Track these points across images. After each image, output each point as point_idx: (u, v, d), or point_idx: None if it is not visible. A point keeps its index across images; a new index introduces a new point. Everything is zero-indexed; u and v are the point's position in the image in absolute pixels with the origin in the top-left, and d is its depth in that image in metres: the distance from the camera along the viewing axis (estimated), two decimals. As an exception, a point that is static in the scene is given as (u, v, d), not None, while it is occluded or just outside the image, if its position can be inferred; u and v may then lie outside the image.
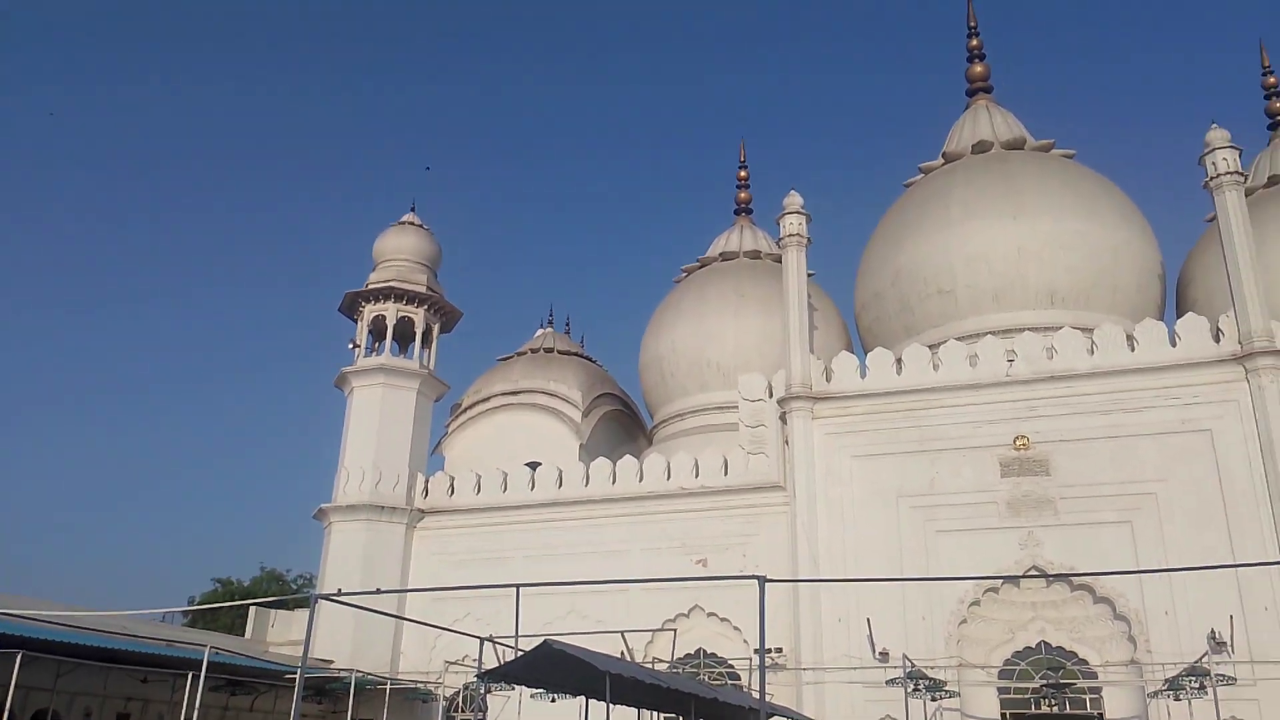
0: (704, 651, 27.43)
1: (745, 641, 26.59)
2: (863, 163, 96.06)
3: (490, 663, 18.95)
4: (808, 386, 27.50)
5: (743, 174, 39.58)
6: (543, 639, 13.18)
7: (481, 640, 18.24)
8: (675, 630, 26.75)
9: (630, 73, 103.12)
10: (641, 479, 29.36)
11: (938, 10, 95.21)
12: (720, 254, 36.43)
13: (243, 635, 30.92)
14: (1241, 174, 25.84)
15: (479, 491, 31.16)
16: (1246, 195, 29.81)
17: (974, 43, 37.60)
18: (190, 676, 20.73)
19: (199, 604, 47.27)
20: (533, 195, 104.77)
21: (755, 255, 35.83)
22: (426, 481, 31.64)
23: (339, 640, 28.26)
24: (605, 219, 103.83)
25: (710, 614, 27.27)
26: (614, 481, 29.63)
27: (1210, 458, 23.68)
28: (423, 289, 33.17)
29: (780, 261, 30.28)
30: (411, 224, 34.76)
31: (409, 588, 29.62)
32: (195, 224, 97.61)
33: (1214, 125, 26.32)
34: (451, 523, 31.09)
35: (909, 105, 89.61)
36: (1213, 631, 22.04)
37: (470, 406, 35.20)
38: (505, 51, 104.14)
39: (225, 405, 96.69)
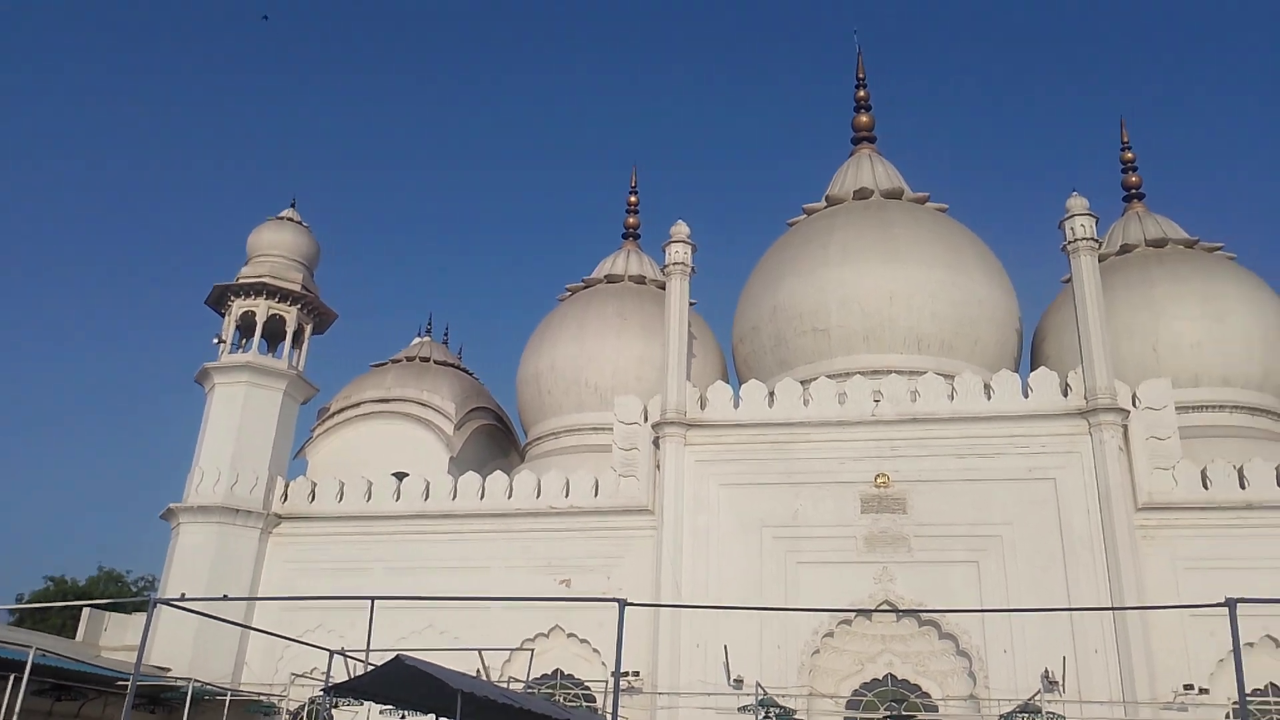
0: (561, 672, 27.27)
1: (604, 664, 26.51)
2: (751, 198, 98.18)
3: (340, 677, 18.40)
4: (682, 413, 27.84)
5: (633, 199, 39.95)
6: (395, 654, 12.90)
7: (331, 653, 17.69)
8: (533, 650, 26.56)
9: (529, 89, 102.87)
10: (511, 496, 29.10)
11: (832, 58, 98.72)
12: (605, 276, 36.63)
13: (73, 637, 29.12)
14: (1096, 240, 27.52)
15: (341, 499, 30.27)
16: (1101, 260, 31.91)
17: (861, 93, 39.10)
18: (12, 679, 19.38)
19: (27, 602, 44.28)
20: (419, 204, 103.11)
21: (640, 280, 36.16)
22: (287, 486, 30.55)
23: (178, 647, 26.91)
24: (493, 233, 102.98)
25: (570, 635, 27.16)
26: (482, 497, 29.26)
27: (1053, 505, 25.02)
28: (297, 287, 32.14)
29: (664, 288, 30.67)
30: (290, 220, 33.68)
31: (258, 595, 28.53)
32: (46, 206, 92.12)
33: (1074, 193, 28.03)
34: (311, 530, 30.08)
35: (799, 146, 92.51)
36: (1046, 671, 23.22)
37: (339, 411, 34.25)
38: (402, 56, 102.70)
39: (71, 396, 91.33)
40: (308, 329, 32.64)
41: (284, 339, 31.80)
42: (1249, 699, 22.64)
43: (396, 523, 29.54)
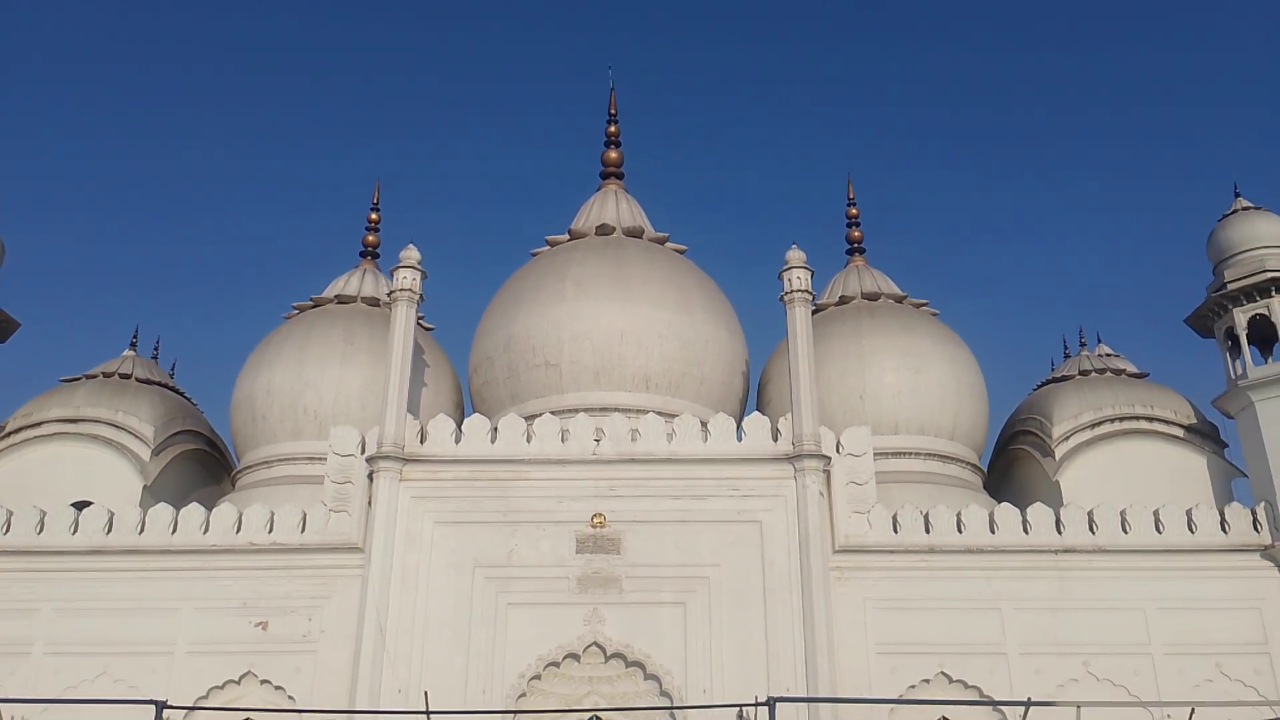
0: (252, 723, 25.34)
1: (299, 713, 24.87)
2: (505, 225, 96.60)
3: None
4: (399, 447, 26.72)
5: (374, 216, 38.40)
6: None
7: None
8: (221, 700, 24.60)
9: (273, 91, 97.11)
10: (207, 530, 26.85)
11: (593, 91, 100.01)
12: (336, 296, 34.87)
13: None
14: (810, 292, 28.81)
15: (8, 531, 26.89)
16: (819, 311, 33.74)
17: (612, 129, 39.57)
18: None
19: None
20: (133, 205, 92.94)
21: (374, 303, 34.67)
22: (-62, 516, 26.83)
23: None
24: (220, 243, 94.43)
25: (264, 681, 25.28)
26: (174, 531, 26.81)
27: (758, 547, 25.78)
28: (-30, 290, 28.49)
29: (401, 314, 29.38)
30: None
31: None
32: None
33: (794, 246, 29.24)
34: (-34, 566, 26.54)
35: (556, 176, 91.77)
36: (741, 712, 23.76)
37: (15, 432, 30.56)
38: (132, 51, 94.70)
39: None
40: (-20, 337, 28.93)
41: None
42: (920, 733, 24.25)
43: (72, 559, 26.53)
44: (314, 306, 34.75)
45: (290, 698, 24.98)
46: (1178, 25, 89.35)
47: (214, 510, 27.37)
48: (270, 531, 26.74)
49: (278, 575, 26.29)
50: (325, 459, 27.85)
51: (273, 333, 34.01)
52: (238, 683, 25.28)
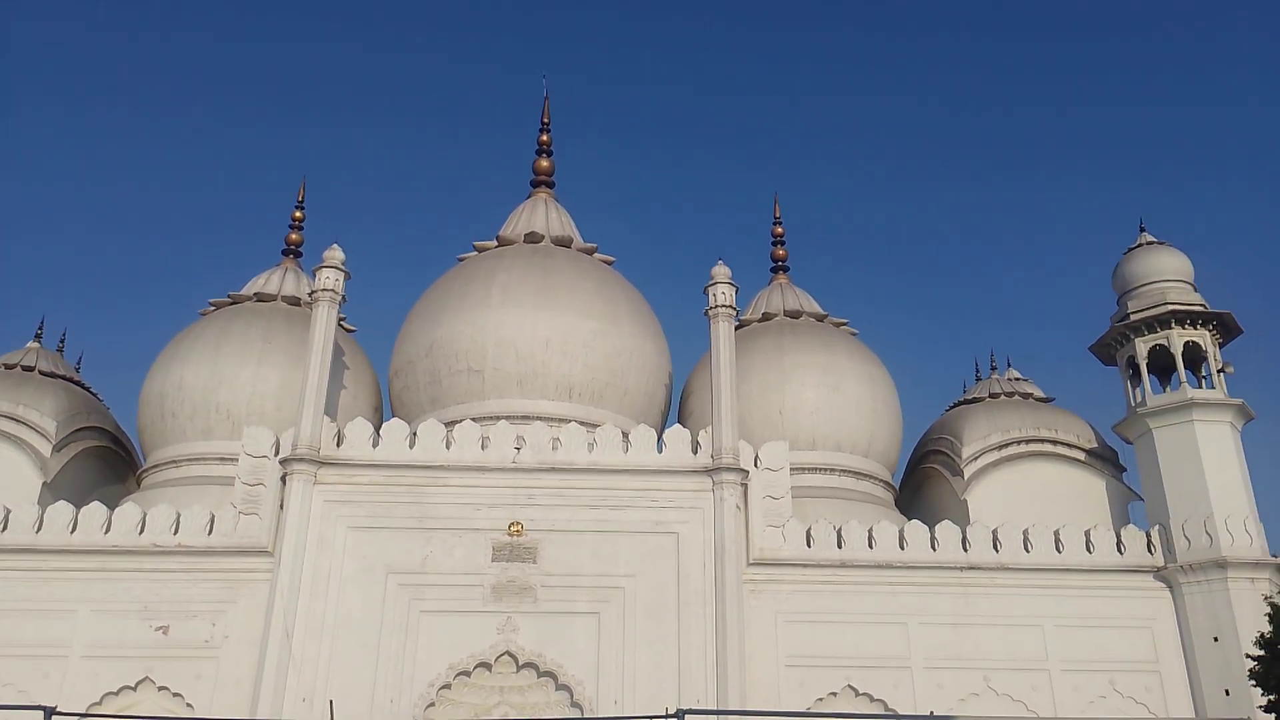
0: (149, 730, 24.58)
1: (198, 720, 24.23)
2: (434, 229, 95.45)
3: None
4: (315, 449, 26.27)
5: (298, 214, 37.66)
6: None
7: None
8: (116, 706, 23.84)
9: (195, 88, 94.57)
10: (109, 530, 26.03)
11: (523, 97, 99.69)
12: (256, 294, 34.10)
13: None
14: (734, 308, 29.18)
15: (-108, 528, 25.72)
16: (743, 326, 34.16)
17: (544, 138, 39.56)
18: None
19: None
20: (42, 197, 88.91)
21: (294, 302, 34.00)
22: None
23: None
24: (135, 236, 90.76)
25: (162, 688, 24.58)
26: (74, 530, 25.95)
27: (674, 559, 25.96)
28: None
29: (322, 314, 28.88)
30: None
31: None
32: None
33: (720, 261, 29.62)
34: None
35: (488, 182, 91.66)
36: (650, 722, 23.87)
37: (-94, 423, 29.22)
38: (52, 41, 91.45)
39: None
40: None
41: None
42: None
43: (-40, 558, 25.53)
44: (232, 303, 33.95)
45: (189, 705, 24.34)
46: (1095, 65, 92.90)
47: (117, 510, 26.56)
48: (176, 533, 26.05)
49: (182, 578, 25.61)
50: (237, 460, 27.26)
51: (187, 329, 33.11)
52: (134, 689, 24.58)
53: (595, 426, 28.25)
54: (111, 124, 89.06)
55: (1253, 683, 21.30)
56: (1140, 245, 31.68)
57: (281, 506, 25.92)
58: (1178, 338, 29.39)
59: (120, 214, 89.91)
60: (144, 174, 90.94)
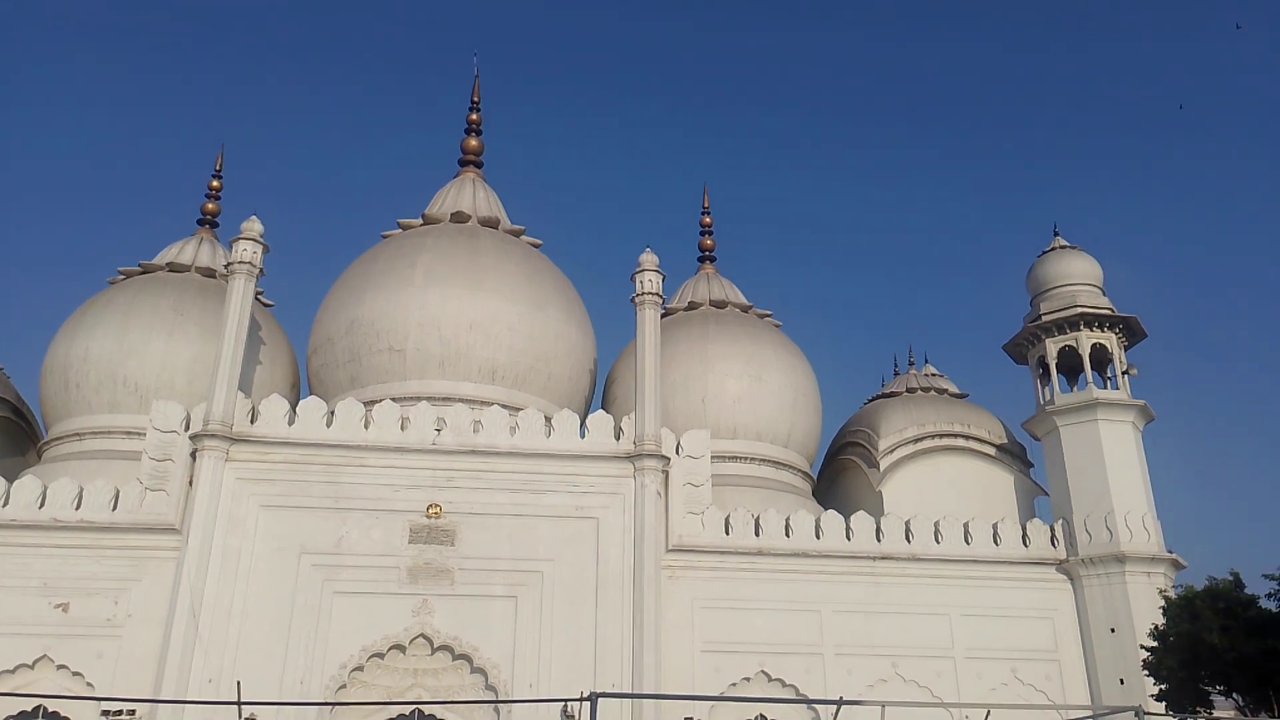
0: (45, 711, 23.71)
1: (99, 702, 23.42)
2: (360, 205, 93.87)
3: None
4: (228, 426, 25.57)
5: (216, 183, 36.49)
6: None
7: None
8: (11, 685, 22.93)
9: (113, 50, 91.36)
10: (6, 503, 25.00)
11: (454, 75, 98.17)
12: (168, 264, 32.95)
13: None
14: (661, 296, 29.27)
15: None
16: (669, 315, 34.28)
17: (474, 117, 39.03)
18: None
19: None
20: None
21: (209, 274, 32.95)
22: None
23: None
24: (41, 200, 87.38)
25: (61, 667, 23.75)
26: (-32, 503, 24.86)
27: (594, 543, 25.98)
28: None
29: (238, 287, 28.06)
30: None
31: None
32: None
33: (648, 249, 29.66)
34: None
35: (416, 159, 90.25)
36: (565, 706, 23.87)
37: None
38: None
39: None
40: None
41: None
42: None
43: None
44: (143, 273, 32.77)
45: (89, 684, 23.56)
46: (1016, 70, 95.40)
47: (15, 482, 25.49)
48: (78, 508, 25.14)
49: (83, 555, 24.73)
50: (144, 434, 26.42)
51: (95, 297, 31.85)
52: (31, 667, 23.73)
53: (518, 410, 28.06)
54: (22, 84, 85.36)
55: (1145, 672, 22.27)
56: (1054, 249, 32.68)
57: (191, 483, 25.16)
58: (1086, 339, 30.43)
59: (27, 177, 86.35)
60: (54, 137, 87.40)
